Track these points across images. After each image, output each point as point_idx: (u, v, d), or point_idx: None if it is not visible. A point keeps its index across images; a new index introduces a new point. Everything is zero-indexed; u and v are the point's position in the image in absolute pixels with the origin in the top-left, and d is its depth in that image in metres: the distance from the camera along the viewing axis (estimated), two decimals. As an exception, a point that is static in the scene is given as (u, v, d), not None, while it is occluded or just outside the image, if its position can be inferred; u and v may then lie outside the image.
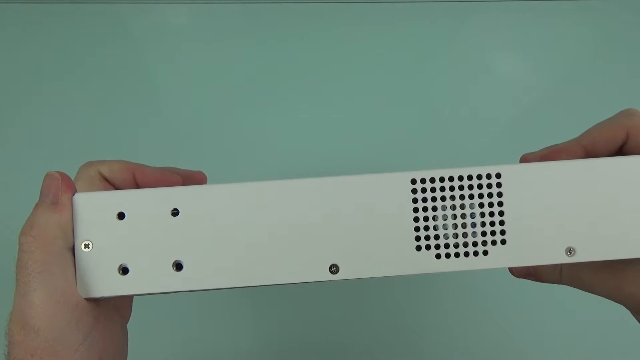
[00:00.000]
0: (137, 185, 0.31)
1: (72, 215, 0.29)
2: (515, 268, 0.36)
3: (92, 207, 0.29)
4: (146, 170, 0.31)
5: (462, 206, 0.29)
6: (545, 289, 0.36)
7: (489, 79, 0.58)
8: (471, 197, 0.29)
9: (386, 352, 0.55)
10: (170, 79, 0.57)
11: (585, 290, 0.34)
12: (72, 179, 0.30)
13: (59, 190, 0.28)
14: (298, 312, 0.56)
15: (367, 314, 0.56)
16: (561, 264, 0.34)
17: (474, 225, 0.29)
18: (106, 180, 0.30)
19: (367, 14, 0.58)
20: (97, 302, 0.29)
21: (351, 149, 0.56)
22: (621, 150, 0.31)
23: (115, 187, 0.31)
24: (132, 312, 0.35)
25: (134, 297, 0.34)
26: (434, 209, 0.29)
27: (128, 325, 0.34)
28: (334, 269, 0.29)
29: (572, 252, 0.29)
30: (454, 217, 0.29)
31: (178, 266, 0.29)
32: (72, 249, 0.29)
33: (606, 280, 0.32)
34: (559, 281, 0.34)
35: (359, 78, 0.57)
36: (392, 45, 0.58)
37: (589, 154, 0.31)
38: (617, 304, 0.33)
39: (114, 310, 0.32)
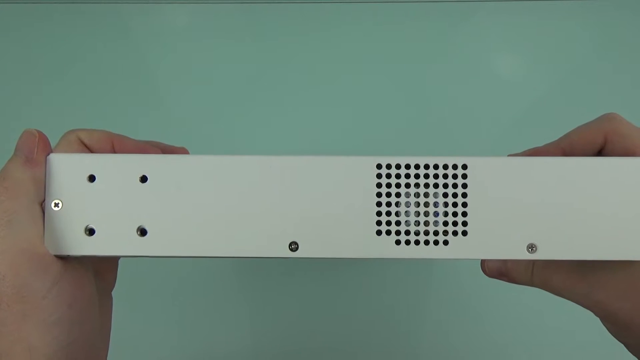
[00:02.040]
0: None
1: (45, 173, 0.29)
2: (488, 267, 0.36)
3: (65, 168, 0.30)
4: (125, 141, 0.32)
5: (426, 194, 0.29)
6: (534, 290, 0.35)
7: (488, 79, 0.58)
8: (436, 186, 0.29)
9: (378, 351, 0.54)
10: (170, 79, 0.58)
11: (555, 294, 0.33)
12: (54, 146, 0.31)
13: (34, 147, 0.29)
14: (293, 312, 0.55)
15: (359, 314, 0.55)
16: (533, 266, 0.34)
17: (436, 214, 0.29)
18: (85, 146, 0.31)
19: (367, 14, 0.58)
20: (66, 259, 0.29)
21: (350, 148, 0.56)
22: (599, 155, 0.31)
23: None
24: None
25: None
26: (398, 194, 0.29)
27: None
28: (293, 246, 0.29)
29: (534, 249, 0.29)
30: (417, 204, 0.29)
31: (142, 232, 0.29)
32: (42, 206, 0.29)
33: (575, 285, 0.32)
34: (530, 283, 0.34)
35: (359, 78, 0.58)
36: (391, 45, 0.58)
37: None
38: None
39: (92, 273, 0.32)
